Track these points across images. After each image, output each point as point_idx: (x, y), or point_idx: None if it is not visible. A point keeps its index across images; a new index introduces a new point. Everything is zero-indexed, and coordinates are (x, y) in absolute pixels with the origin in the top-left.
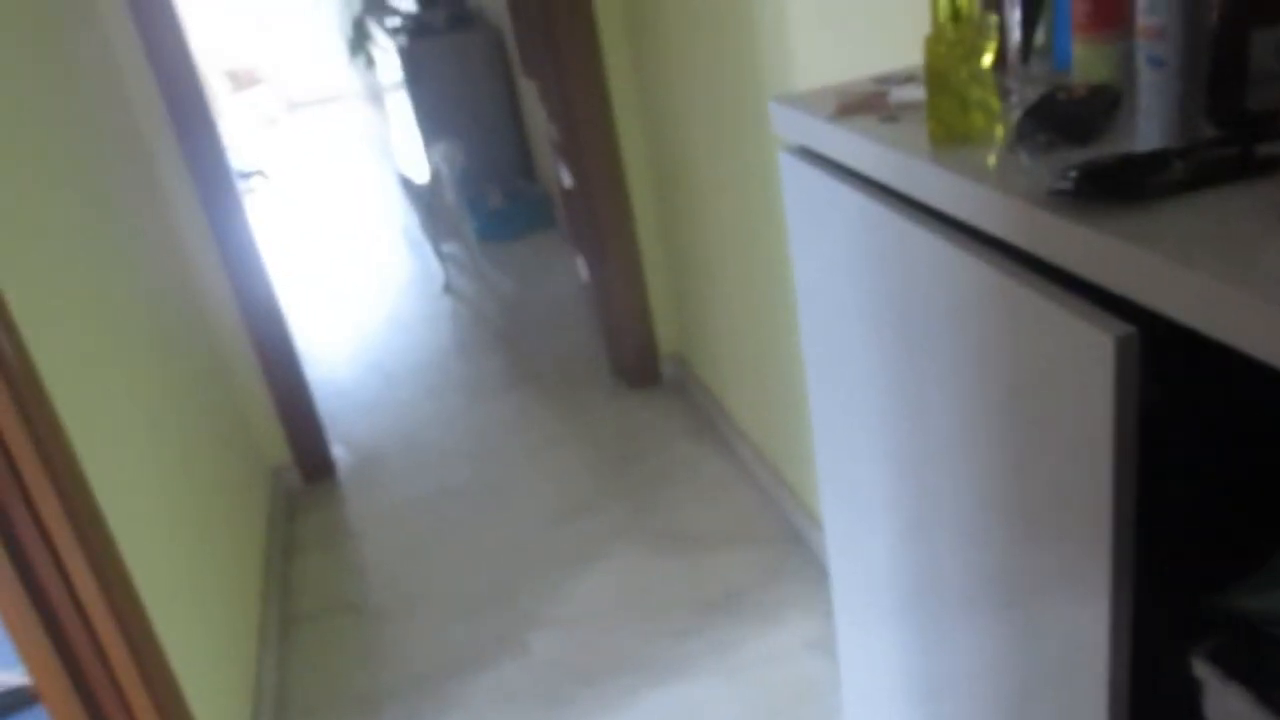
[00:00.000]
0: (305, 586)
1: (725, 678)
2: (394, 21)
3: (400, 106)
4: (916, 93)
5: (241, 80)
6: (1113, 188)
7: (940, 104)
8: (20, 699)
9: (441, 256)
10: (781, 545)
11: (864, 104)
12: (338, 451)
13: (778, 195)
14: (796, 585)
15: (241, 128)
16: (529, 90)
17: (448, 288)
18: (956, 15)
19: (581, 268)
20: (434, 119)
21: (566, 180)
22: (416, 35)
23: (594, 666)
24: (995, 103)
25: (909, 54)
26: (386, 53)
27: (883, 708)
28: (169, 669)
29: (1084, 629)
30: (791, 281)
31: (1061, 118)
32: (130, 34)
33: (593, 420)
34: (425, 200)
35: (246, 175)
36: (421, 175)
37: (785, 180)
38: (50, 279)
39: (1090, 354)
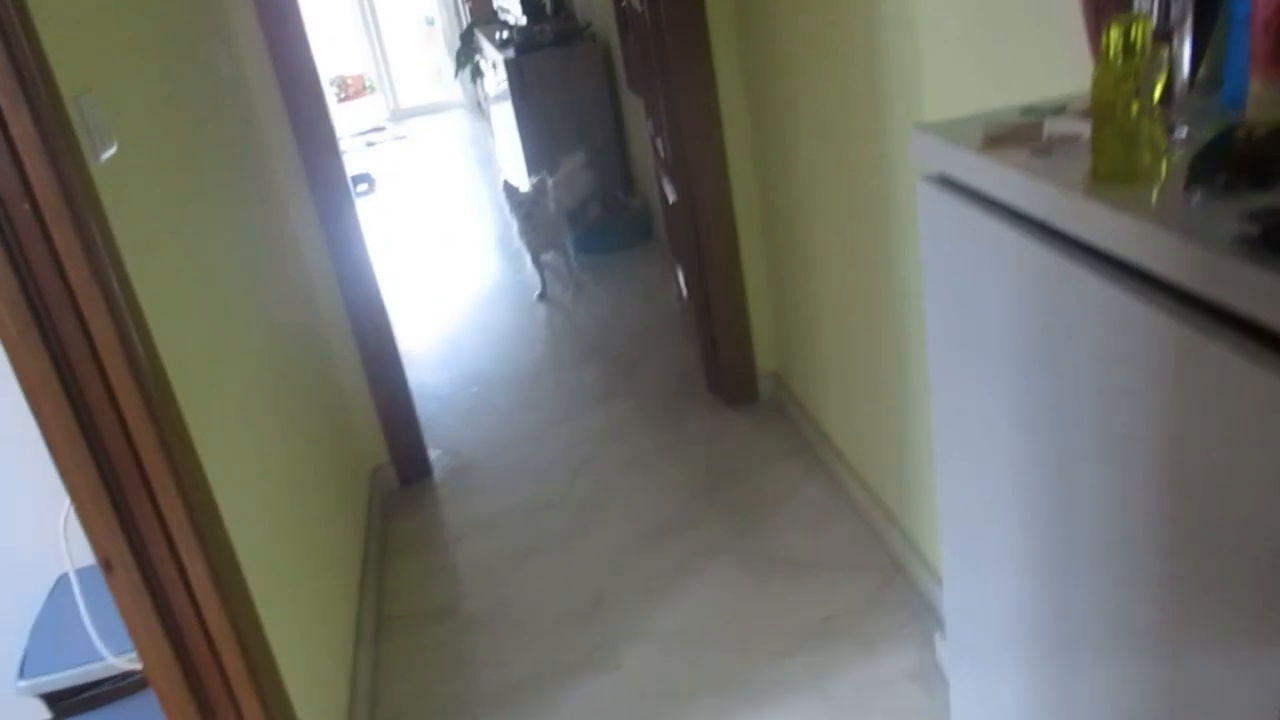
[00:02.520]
0: (400, 589)
1: (822, 704)
2: (502, 34)
3: (505, 118)
4: (1073, 125)
5: (350, 89)
6: None
7: (1106, 139)
8: (131, 685)
9: (539, 265)
10: (881, 574)
11: (1015, 135)
12: (434, 455)
13: (899, 222)
14: (896, 615)
15: (350, 135)
16: (632, 105)
17: (543, 296)
18: (1129, 48)
19: (680, 283)
20: (538, 131)
21: (670, 195)
22: (524, 49)
23: (686, 685)
24: (1163, 140)
25: (1053, 84)
26: (494, 64)
27: None
28: (274, 662)
29: (1244, 692)
30: (909, 310)
31: (1241, 158)
32: (259, 45)
33: (688, 437)
34: (526, 209)
35: (355, 182)
36: (524, 184)
37: (921, 209)
38: (178, 280)
39: (1275, 408)
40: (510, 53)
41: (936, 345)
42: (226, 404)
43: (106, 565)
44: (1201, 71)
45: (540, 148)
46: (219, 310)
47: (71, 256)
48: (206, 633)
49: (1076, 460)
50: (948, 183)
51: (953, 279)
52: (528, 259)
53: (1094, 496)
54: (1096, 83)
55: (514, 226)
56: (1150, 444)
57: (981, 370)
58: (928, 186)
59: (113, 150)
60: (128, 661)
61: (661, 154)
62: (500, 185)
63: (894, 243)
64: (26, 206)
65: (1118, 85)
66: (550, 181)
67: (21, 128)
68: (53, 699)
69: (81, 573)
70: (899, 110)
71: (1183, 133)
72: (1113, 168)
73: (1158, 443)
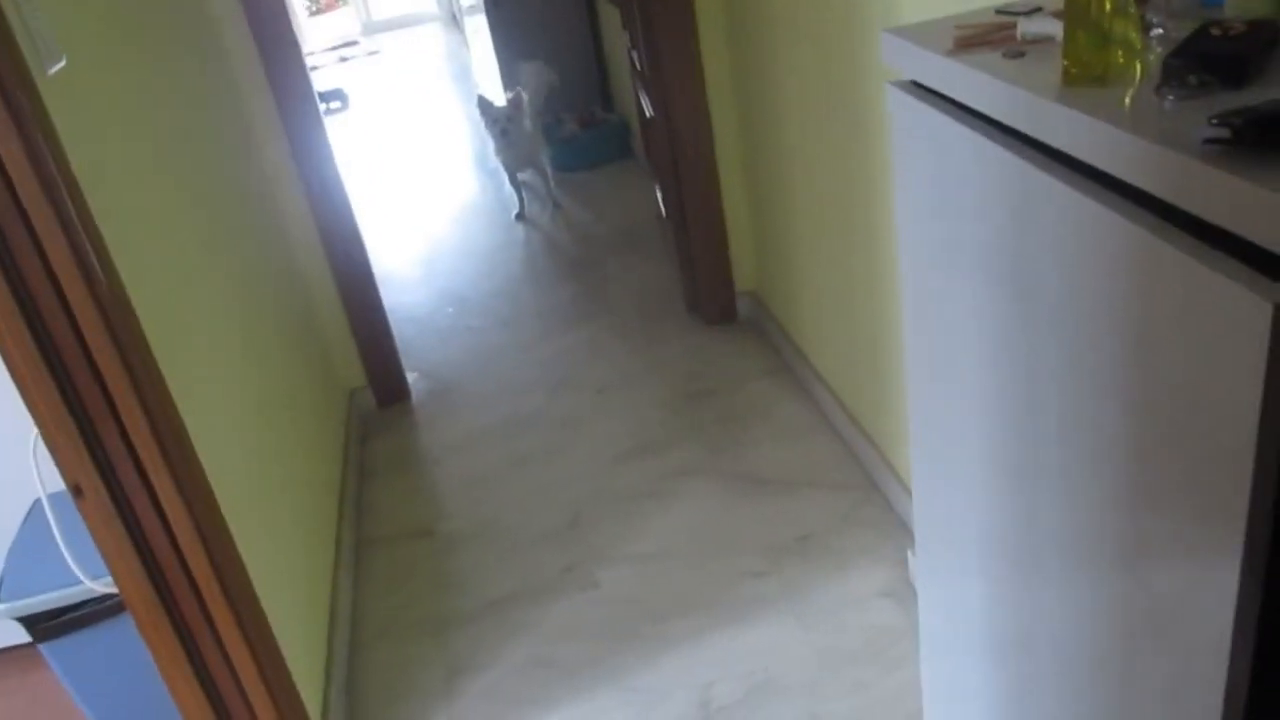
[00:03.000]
0: (379, 510)
1: (796, 621)
2: None
3: (479, 31)
4: (1048, 26)
5: (322, 1)
6: (1278, 137)
7: (1077, 39)
8: (110, 608)
9: (516, 184)
10: (856, 492)
11: (986, 37)
12: (411, 377)
13: (875, 132)
14: (871, 532)
15: (321, 50)
16: (610, 16)
17: (520, 215)
18: None
19: (659, 199)
20: (513, 44)
21: (647, 109)
22: None
23: (662, 604)
24: (1137, 39)
25: None
26: None
27: (961, 658)
28: (249, 583)
29: (1205, 598)
30: (884, 224)
31: (1215, 57)
32: None
33: (666, 355)
34: (501, 125)
35: (325, 98)
36: (499, 99)
37: (893, 115)
38: (137, 199)
39: (1242, 319)
40: None
41: (907, 255)
42: (193, 326)
43: (76, 490)
44: None
45: (515, 61)
46: (182, 231)
47: (20, 174)
48: (180, 555)
49: (1044, 370)
50: (919, 88)
51: (923, 187)
52: (505, 177)
53: (1061, 407)
54: None
55: (490, 144)
56: (1116, 353)
57: (951, 280)
58: (898, 92)
59: (61, 64)
60: (104, 585)
61: (638, 66)
62: (476, 99)
63: (870, 155)
64: None
65: None
66: (526, 97)
67: None
68: (31, 622)
69: (54, 497)
70: (877, 13)
71: (1160, 31)
72: (1084, 69)
73: (1124, 352)
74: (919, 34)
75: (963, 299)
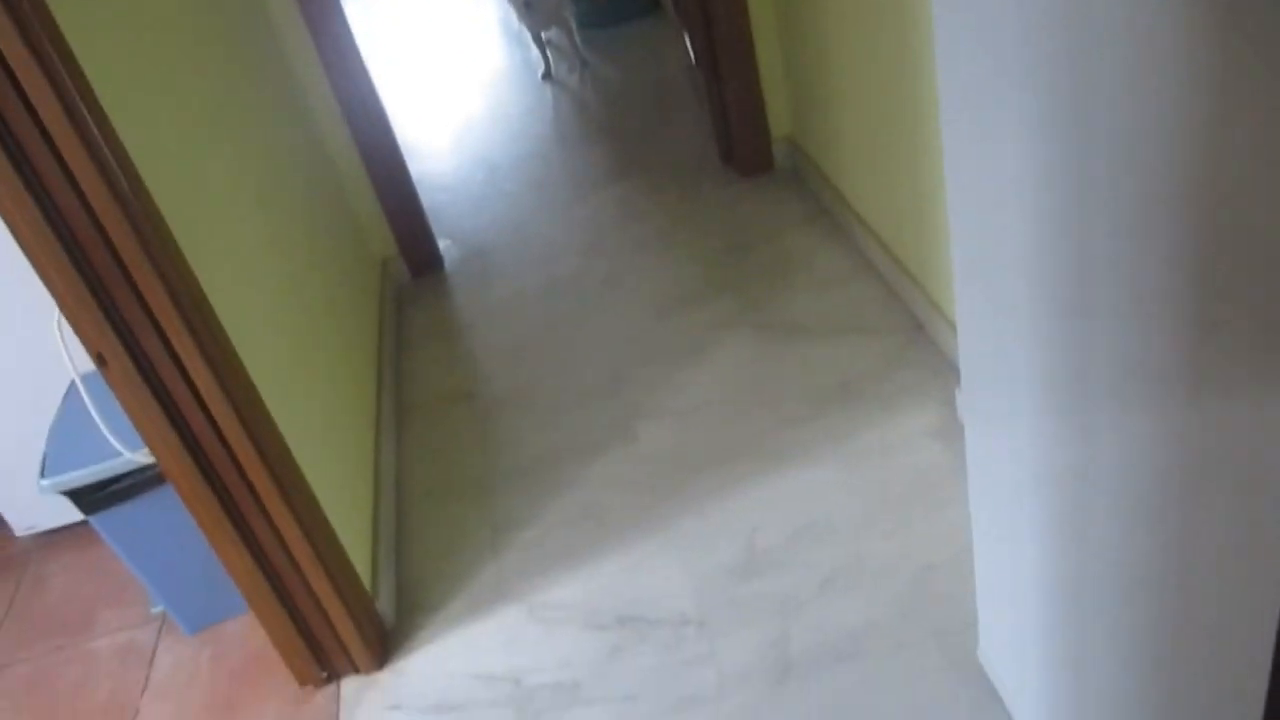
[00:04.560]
0: (418, 376)
1: (840, 465)
2: None
3: None
4: None
5: None
6: None
7: None
8: (153, 478)
9: (541, 44)
10: (901, 335)
11: None
12: (444, 244)
13: None
14: (916, 374)
15: None
16: None
17: (547, 75)
18: None
19: (688, 48)
20: None
21: None
22: None
23: (703, 455)
24: None
25: None
26: None
27: (1012, 494)
28: (285, 447)
29: (1269, 432)
30: (925, 54)
31: None
32: None
33: (701, 210)
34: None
35: None
36: None
37: None
38: (143, 66)
39: None
40: None
41: (949, 81)
42: (210, 195)
43: (100, 360)
44: None
45: None
46: (195, 101)
47: (10, 46)
48: (212, 421)
49: (1099, 194)
50: None
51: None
52: (530, 39)
53: (1118, 229)
54: None
55: (513, 6)
56: (1181, 167)
57: (996, 103)
58: None
59: None
60: (144, 456)
61: None
62: None
63: None
64: None
65: None
66: None
67: None
68: (78, 495)
69: (88, 378)
70: None
71: None
72: None
73: (1191, 166)
74: None
75: (1008, 125)
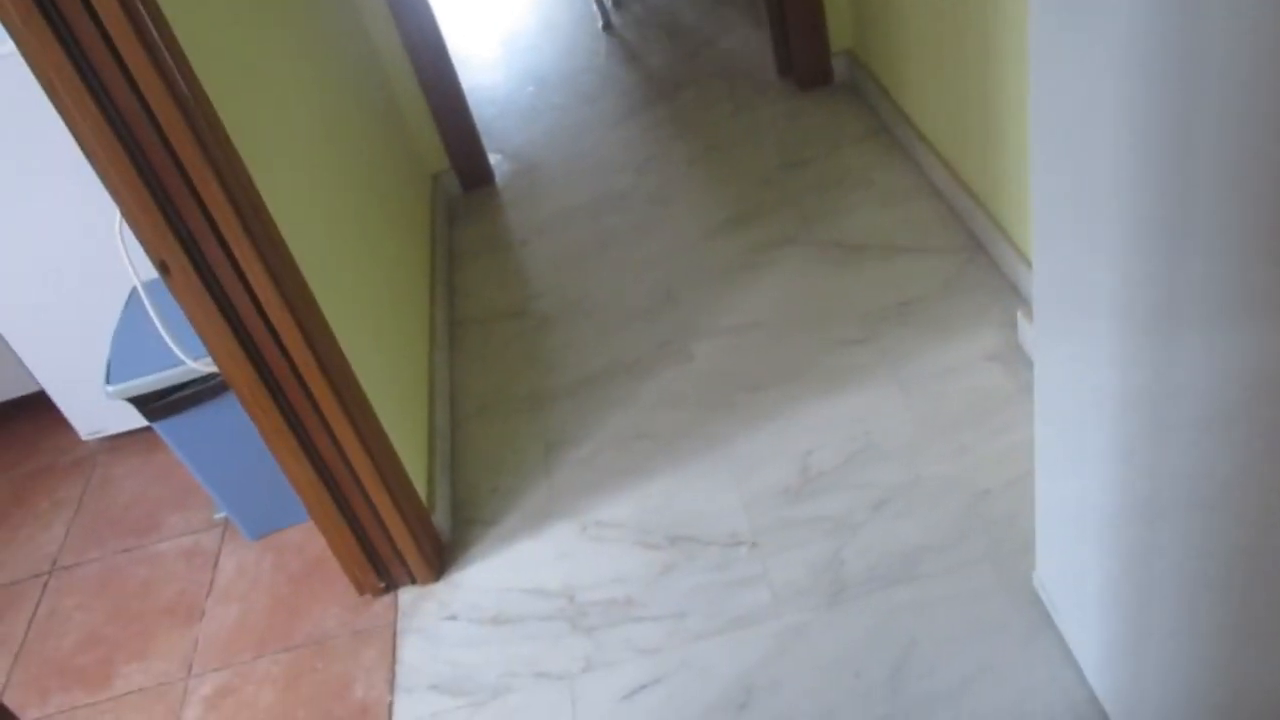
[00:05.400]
0: (470, 291)
1: (897, 387)
2: None
3: None
4: None
5: None
6: None
7: None
8: (215, 386)
9: None
10: (961, 255)
11: None
12: (495, 158)
13: None
14: (977, 296)
15: None
16: None
17: (608, 26)
18: None
19: None
20: None
21: None
22: None
23: (758, 374)
24: None
25: None
26: None
27: (1084, 417)
28: (344, 357)
29: None
30: None
31: None
32: None
33: (757, 125)
34: None
35: None
36: None
37: None
38: None
39: None
40: None
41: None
42: (268, 102)
43: (163, 268)
44: None
45: None
46: (253, 10)
47: None
48: (273, 332)
49: (1201, 117)
50: None
51: None
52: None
53: (1216, 156)
54: None
55: None
56: None
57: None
58: None
59: None
60: (206, 365)
61: None
62: None
63: None
64: None
65: None
66: None
67: None
68: (142, 402)
69: (150, 285)
70: None
71: None
72: None
73: None
74: None
75: (1104, 38)
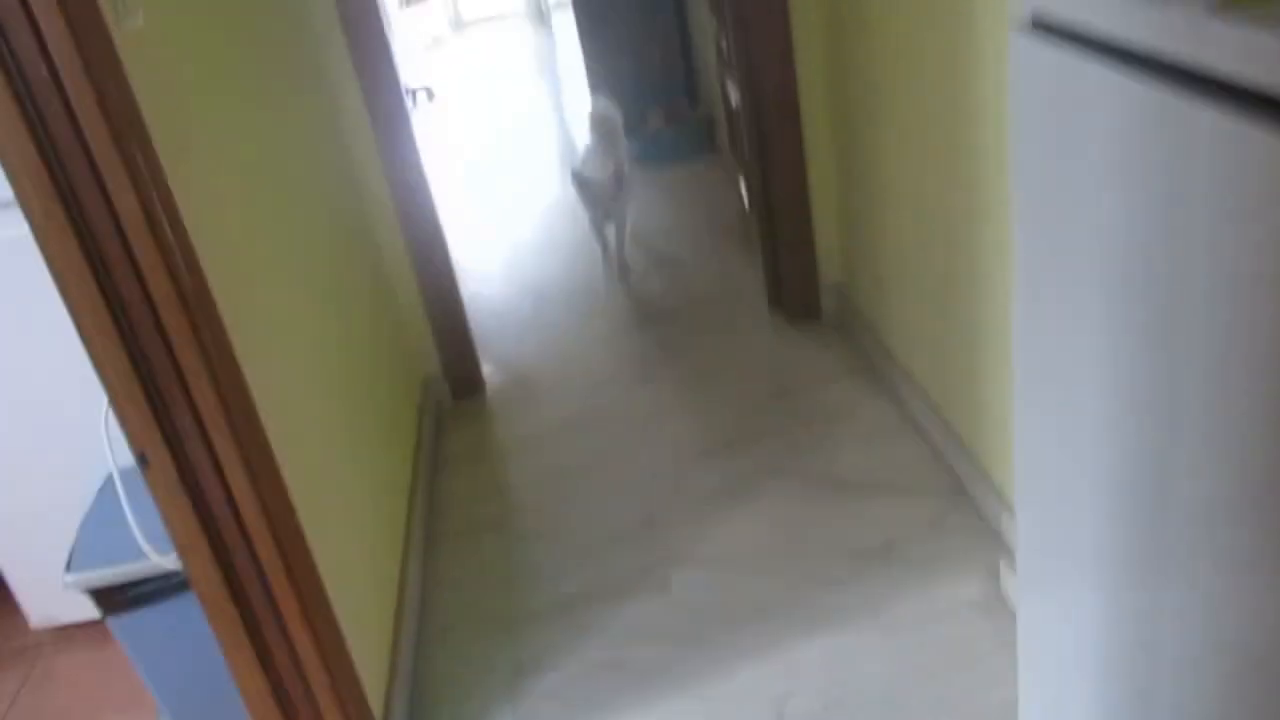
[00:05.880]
0: (451, 502)
1: (879, 632)
2: None
3: (566, 27)
4: None
5: None
6: None
7: None
8: (176, 585)
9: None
10: (944, 497)
11: None
12: (487, 369)
13: (978, 116)
14: (959, 540)
15: (409, 44)
16: (697, 13)
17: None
18: None
19: (742, 192)
20: (600, 40)
21: (734, 98)
22: None
23: (737, 610)
24: None
25: None
26: None
27: (1069, 674)
28: (313, 566)
29: None
30: (988, 212)
31: None
32: None
33: (747, 353)
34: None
35: (412, 92)
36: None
37: (1014, 69)
38: (215, 166)
39: None
40: None
41: (1024, 237)
42: (268, 300)
43: (143, 459)
44: None
45: (602, 58)
46: (262, 204)
47: (93, 125)
48: (244, 532)
49: (1188, 364)
50: (1043, 28)
51: (1048, 145)
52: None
53: (1205, 407)
54: None
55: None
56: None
57: (1075, 263)
58: (1022, 38)
59: (139, 21)
60: (171, 561)
61: (725, 53)
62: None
63: (974, 140)
64: (44, 71)
65: None
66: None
67: None
68: (100, 595)
69: (126, 473)
70: None
71: None
72: None
73: None
74: None
75: (1089, 283)
